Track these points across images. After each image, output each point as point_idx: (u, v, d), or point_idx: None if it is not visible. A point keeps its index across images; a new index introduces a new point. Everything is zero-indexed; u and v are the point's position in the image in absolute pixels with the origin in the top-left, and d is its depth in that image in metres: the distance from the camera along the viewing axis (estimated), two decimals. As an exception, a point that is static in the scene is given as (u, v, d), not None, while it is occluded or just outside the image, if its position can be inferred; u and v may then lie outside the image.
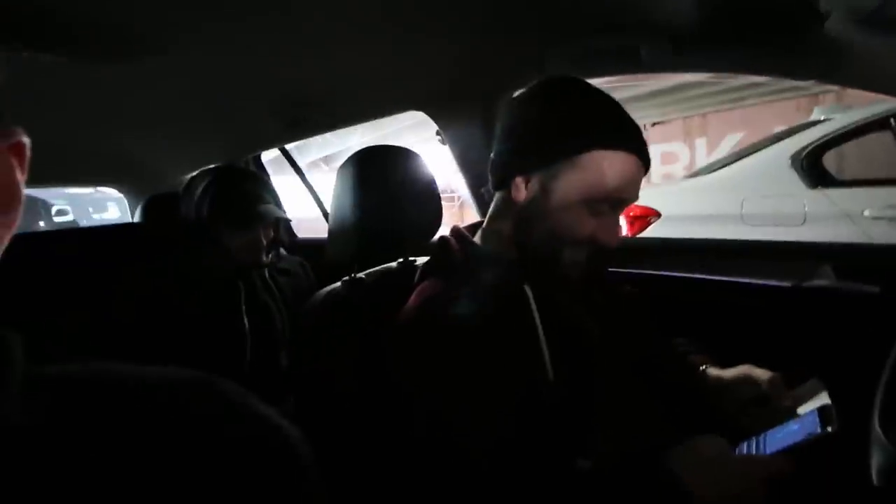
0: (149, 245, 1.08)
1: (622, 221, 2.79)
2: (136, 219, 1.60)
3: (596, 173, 0.61)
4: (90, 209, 5.41)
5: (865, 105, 2.37)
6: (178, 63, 0.88)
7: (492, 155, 0.72)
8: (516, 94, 0.71)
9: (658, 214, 2.63)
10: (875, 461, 0.63)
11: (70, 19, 0.68)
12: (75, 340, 0.86)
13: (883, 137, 2.29)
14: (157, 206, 1.49)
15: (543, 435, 0.58)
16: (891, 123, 2.22)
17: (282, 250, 1.39)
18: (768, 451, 0.53)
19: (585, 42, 0.89)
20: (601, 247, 0.64)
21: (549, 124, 0.64)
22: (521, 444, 0.57)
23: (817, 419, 0.52)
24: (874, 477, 0.63)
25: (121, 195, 1.96)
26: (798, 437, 0.52)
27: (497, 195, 0.73)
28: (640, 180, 0.66)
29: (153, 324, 1.05)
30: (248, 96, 1.12)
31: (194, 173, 1.17)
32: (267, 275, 1.23)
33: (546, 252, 0.65)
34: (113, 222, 4.84)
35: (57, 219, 5.05)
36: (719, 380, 0.71)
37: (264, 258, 1.17)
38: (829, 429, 0.50)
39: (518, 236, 0.68)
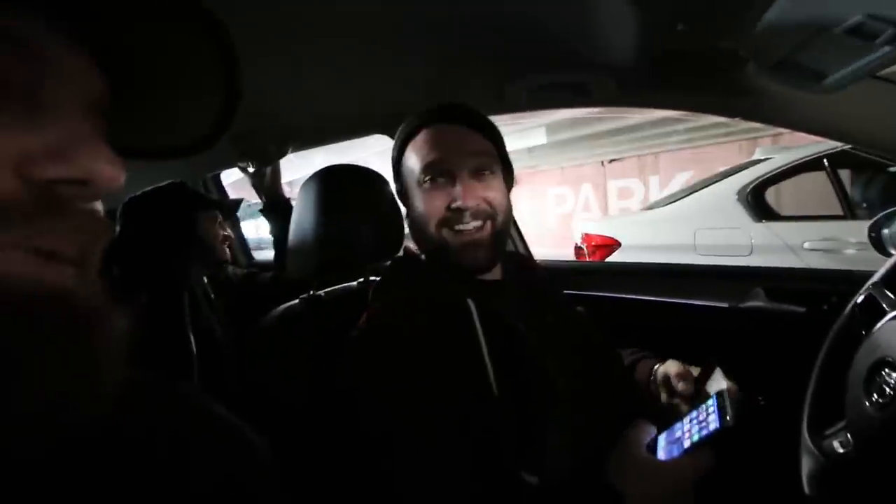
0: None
1: (584, 248, 2.89)
2: None
3: (415, 153, 0.70)
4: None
5: (800, 146, 2.60)
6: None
7: None
8: None
9: (619, 244, 2.76)
10: (805, 467, 0.67)
11: None
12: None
13: (815, 176, 2.50)
14: None
15: (489, 450, 0.59)
16: (823, 164, 2.43)
17: (234, 269, 1.38)
18: (685, 444, 0.56)
19: (541, 76, 0.96)
20: (465, 211, 0.66)
21: (398, 136, 0.75)
22: (468, 460, 0.57)
23: (717, 413, 0.56)
24: (805, 484, 0.67)
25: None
26: (704, 433, 0.56)
27: None
28: (463, 140, 0.69)
29: None
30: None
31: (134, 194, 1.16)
32: (212, 294, 1.23)
33: (428, 241, 0.70)
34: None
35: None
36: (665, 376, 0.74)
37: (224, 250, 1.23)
38: (728, 420, 0.54)
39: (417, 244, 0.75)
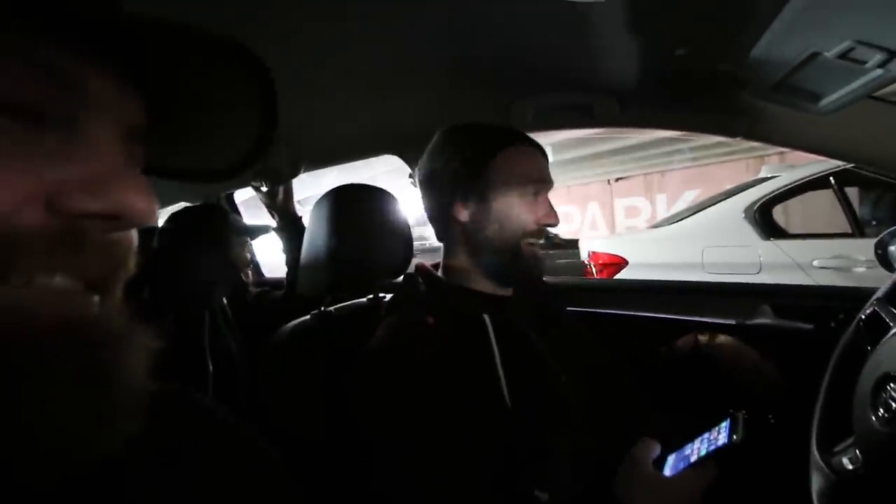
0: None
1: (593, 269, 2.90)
2: None
3: (515, 165, 0.72)
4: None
5: (806, 164, 2.60)
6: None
7: (427, 209, 0.79)
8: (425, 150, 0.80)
9: (626, 262, 2.75)
10: (814, 484, 0.67)
11: None
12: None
13: (823, 194, 2.50)
14: None
15: (504, 466, 0.59)
16: (830, 182, 2.43)
17: (250, 288, 1.42)
18: (692, 459, 0.57)
19: (546, 98, 0.99)
20: (548, 227, 0.73)
21: (465, 147, 0.74)
22: (484, 477, 0.57)
23: (728, 431, 0.57)
24: (815, 501, 0.66)
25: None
26: (711, 448, 0.57)
27: (443, 235, 0.78)
28: (548, 166, 0.76)
29: None
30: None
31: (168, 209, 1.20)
32: (229, 312, 1.25)
33: (505, 251, 0.71)
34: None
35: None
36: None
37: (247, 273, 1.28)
38: (735, 437, 0.56)
39: (474, 253, 0.74)
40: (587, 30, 0.74)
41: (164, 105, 0.28)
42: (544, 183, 0.74)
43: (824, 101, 0.67)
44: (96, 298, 0.23)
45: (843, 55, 0.55)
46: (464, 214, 0.73)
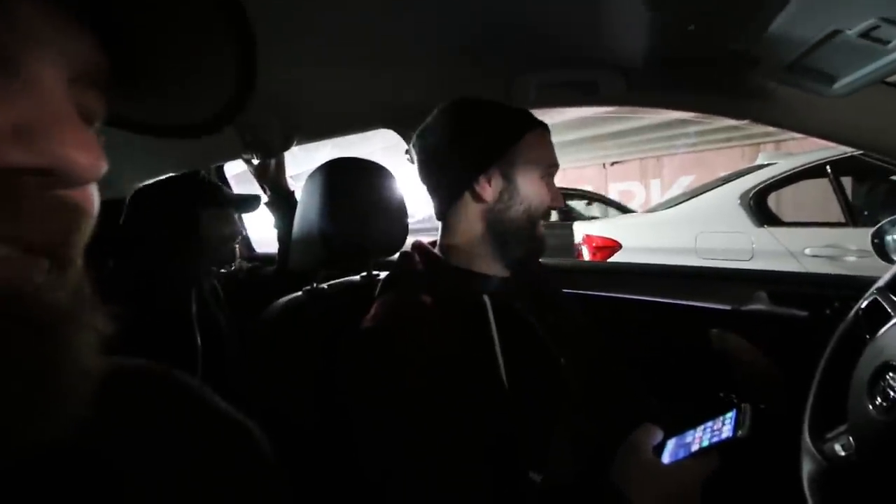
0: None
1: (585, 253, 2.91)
2: None
3: (538, 147, 0.73)
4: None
5: (803, 153, 2.60)
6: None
7: (431, 181, 0.75)
8: (427, 122, 0.76)
9: (620, 246, 2.76)
10: (805, 470, 0.67)
11: None
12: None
13: (817, 183, 2.50)
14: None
15: (497, 446, 0.59)
16: (826, 171, 2.43)
17: (240, 262, 1.39)
18: (693, 448, 0.57)
19: (550, 73, 0.96)
20: (552, 210, 0.76)
21: (487, 123, 0.72)
22: (472, 458, 0.57)
23: (733, 424, 0.56)
24: (806, 487, 0.67)
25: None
26: (714, 440, 0.56)
27: (451, 212, 0.75)
28: None
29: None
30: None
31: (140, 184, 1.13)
32: (219, 289, 1.22)
33: (526, 232, 0.72)
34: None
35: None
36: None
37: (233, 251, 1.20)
38: (741, 433, 0.55)
39: (496, 232, 0.72)
40: (594, 2, 0.71)
41: (124, 48, 0.24)
42: (556, 167, 0.76)
43: (838, 84, 0.64)
44: (38, 268, 0.20)
45: (866, 34, 0.53)
46: (488, 192, 0.71)
